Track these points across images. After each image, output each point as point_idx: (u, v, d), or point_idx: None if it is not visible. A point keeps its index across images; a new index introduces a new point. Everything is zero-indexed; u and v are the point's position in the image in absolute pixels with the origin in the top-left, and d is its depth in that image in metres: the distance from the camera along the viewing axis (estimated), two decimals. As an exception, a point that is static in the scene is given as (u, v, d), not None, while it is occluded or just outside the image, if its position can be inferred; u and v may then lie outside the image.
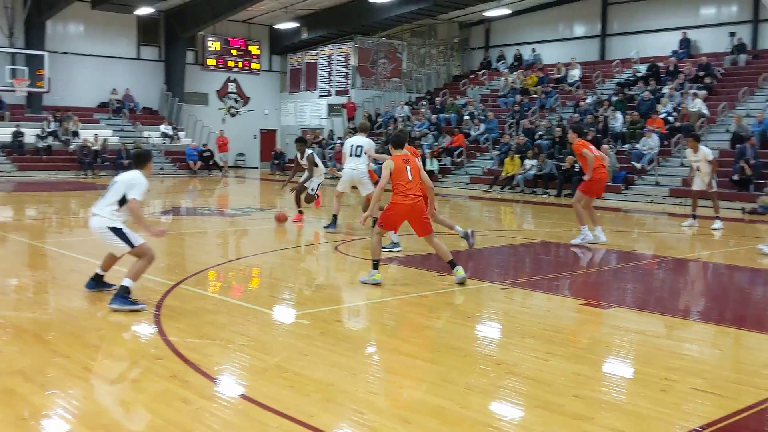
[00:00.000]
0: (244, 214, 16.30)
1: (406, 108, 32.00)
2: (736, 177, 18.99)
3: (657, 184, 20.75)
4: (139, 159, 6.98)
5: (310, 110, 36.00)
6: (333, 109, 34.55)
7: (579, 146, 11.24)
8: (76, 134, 29.51)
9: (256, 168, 35.76)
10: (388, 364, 5.37)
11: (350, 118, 33.04)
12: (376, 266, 7.67)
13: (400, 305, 7.18)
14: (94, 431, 3.95)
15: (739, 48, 26.08)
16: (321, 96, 35.50)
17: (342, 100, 34.01)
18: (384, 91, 34.49)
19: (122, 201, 6.59)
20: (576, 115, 25.26)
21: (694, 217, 14.27)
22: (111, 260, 7.10)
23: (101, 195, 6.72)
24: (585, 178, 11.15)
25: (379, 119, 31.73)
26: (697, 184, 14.12)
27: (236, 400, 4.53)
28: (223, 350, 5.48)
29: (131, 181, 6.64)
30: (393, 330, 6.34)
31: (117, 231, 6.60)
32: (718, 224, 13.79)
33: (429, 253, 9.49)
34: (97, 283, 7.18)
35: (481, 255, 10.71)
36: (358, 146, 11.86)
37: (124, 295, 6.41)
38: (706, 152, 14.04)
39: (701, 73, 24.98)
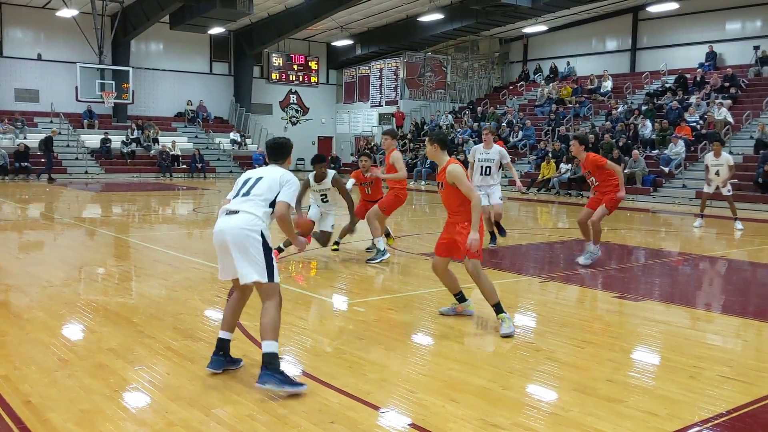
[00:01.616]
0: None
1: (450, 116, 31.88)
2: (760, 180, 18.43)
3: (684, 186, 20.27)
4: (279, 150, 4.71)
5: (363, 119, 36.14)
6: (383, 118, 34.64)
7: (597, 159, 8.87)
8: (156, 141, 30.17)
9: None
10: (436, 349, 5.37)
11: (399, 126, 33.07)
12: (498, 310, 5.71)
13: (446, 295, 7.16)
14: (176, 402, 4.05)
15: (763, 60, 25.27)
16: (372, 106, 35.61)
17: (391, 109, 34.07)
18: (430, 101, 34.42)
19: (273, 203, 4.42)
20: (607, 122, 24.82)
21: (702, 216, 13.98)
22: (238, 307, 4.65)
23: (236, 190, 4.56)
24: (619, 195, 8.76)
25: (426, 127, 31.71)
26: (710, 188, 13.82)
27: (300, 378, 4.59)
28: (287, 333, 5.55)
29: (283, 178, 4.47)
30: (439, 318, 6.33)
31: (267, 246, 4.35)
32: (739, 225, 13.44)
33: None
34: (225, 357, 4.57)
35: (519, 251, 10.63)
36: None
37: (276, 368, 4.18)
38: (728, 158, 13.71)
39: (727, 84, 24.29)
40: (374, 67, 35.50)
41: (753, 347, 5.66)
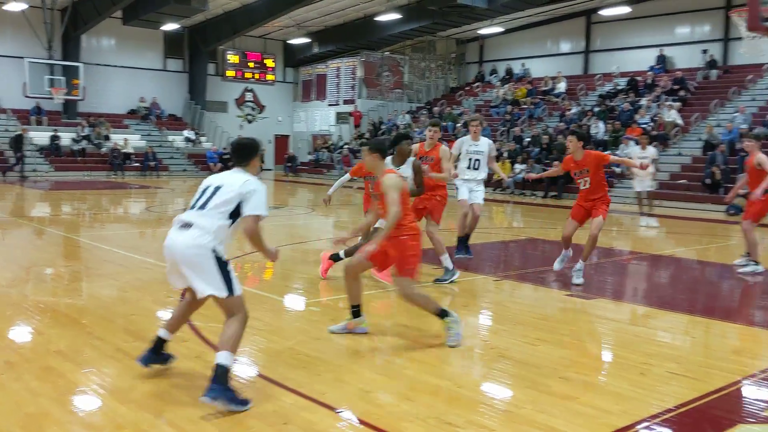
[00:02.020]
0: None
1: (408, 116, 32.01)
2: (708, 181, 18.96)
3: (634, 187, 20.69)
4: (243, 151, 4.32)
5: (320, 118, 36.01)
6: (341, 117, 34.59)
7: (602, 156, 7.96)
8: (107, 138, 29.54)
9: (271, 170, 35.76)
10: (392, 348, 5.38)
11: (356, 126, 33.09)
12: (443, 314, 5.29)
13: (394, 300, 7.17)
14: (126, 405, 3.96)
15: (711, 64, 26.02)
16: (330, 105, 35.51)
17: (349, 108, 34.05)
18: (387, 101, 34.48)
19: (234, 214, 4.12)
20: (561, 123, 25.24)
21: (646, 215, 14.39)
22: (189, 310, 4.52)
23: (192, 201, 4.24)
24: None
25: (383, 126, 31.81)
26: (639, 186, 14.21)
27: (254, 379, 4.54)
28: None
29: (245, 188, 4.12)
30: (396, 317, 6.34)
31: (221, 261, 4.10)
32: (652, 222, 13.97)
33: (426, 248, 9.48)
34: (156, 353, 4.45)
35: (475, 250, 10.71)
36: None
37: (226, 383, 3.92)
38: (653, 152, 14.21)
39: (676, 87, 24.93)
40: (331, 65, 35.39)
41: (701, 344, 5.81)
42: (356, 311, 5.49)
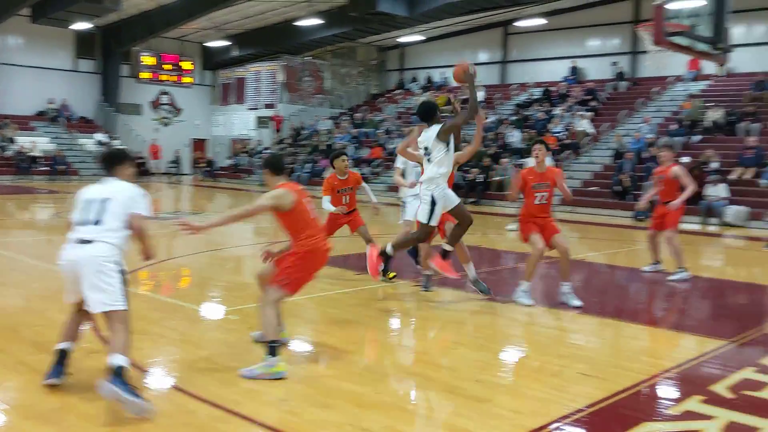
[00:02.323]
0: (174, 217, 15.89)
1: (329, 122, 31.99)
2: (617, 188, 19.77)
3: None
4: (114, 160, 4.50)
5: (239, 122, 35.46)
6: (261, 122, 34.18)
7: (561, 173, 7.91)
8: (12, 140, 28.12)
9: (188, 175, 34.94)
10: (311, 356, 5.34)
11: (278, 130, 32.81)
12: (272, 352, 4.65)
13: (323, 302, 7.15)
14: (30, 420, 3.78)
15: (620, 76, 27.21)
16: (250, 109, 35.03)
17: (270, 113, 33.69)
18: (309, 106, 34.35)
19: (126, 223, 4.28)
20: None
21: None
22: (80, 320, 4.51)
23: (83, 215, 4.30)
24: None
25: (304, 131, 31.67)
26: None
27: (168, 391, 4.42)
28: (154, 344, 5.33)
29: (129, 193, 4.33)
30: (316, 324, 6.31)
31: (122, 275, 4.22)
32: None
33: (348, 254, 9.50)
34: (61, 365, 4.34)
35: (400, 256, 10.78)
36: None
37: (124, 381, 3.92)
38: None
39: (588, 97, 25.94)
40: (251, 69, 34.93)
41: (610, 345, 6.04)
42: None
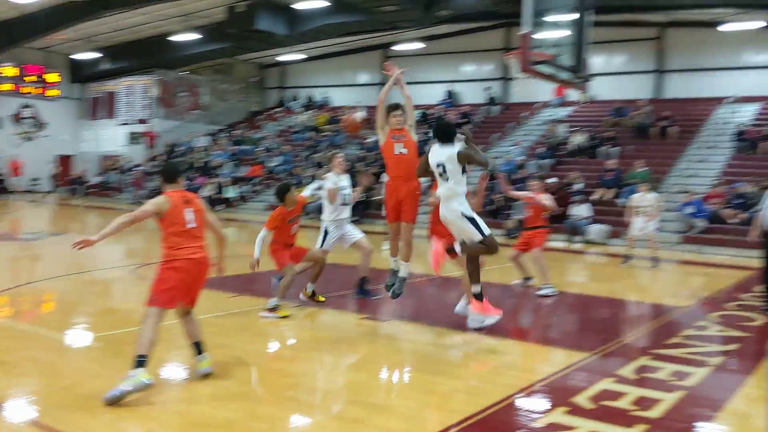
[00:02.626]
0: (37, 238, 14.91)
1: (206, 139, 31.26)
2: (491, 207, 20.56)
3: (423, 213, 21.88)
4: None
5: (110, 137, 33.87)
6: (133, 137, 32.84)
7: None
8: None
9: (52, 192, 32.92)
10: (183, 382, 5.15)
11: (150, 146, 31.68)
12: (140, 363, 4.67)
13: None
14: None
15: (493, 100, 28.47)
16: (121, 124, 33.58)
17: (142, 128, 32.45)
18: (185, 122, 33.41)
19: None
20: (362, 151, 26.11)
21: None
22: None
23: None
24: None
25: (179, 148, 30.79)
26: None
27: (25, 425, 4.11)
28: (8, 375, 4.95)
29: None
30: (186, 349, 6.09)
31: None
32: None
33: (226, 276, 9.25)
34: None
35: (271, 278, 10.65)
36: None
37: None
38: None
39: (463, 120, 26.93)
40: (124, 83, 33.54)
41: (483, 360, 6.24)
42: (197, 349, 5.19)
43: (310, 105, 32.99)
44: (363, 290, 8.81)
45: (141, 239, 15.55)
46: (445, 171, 6.45)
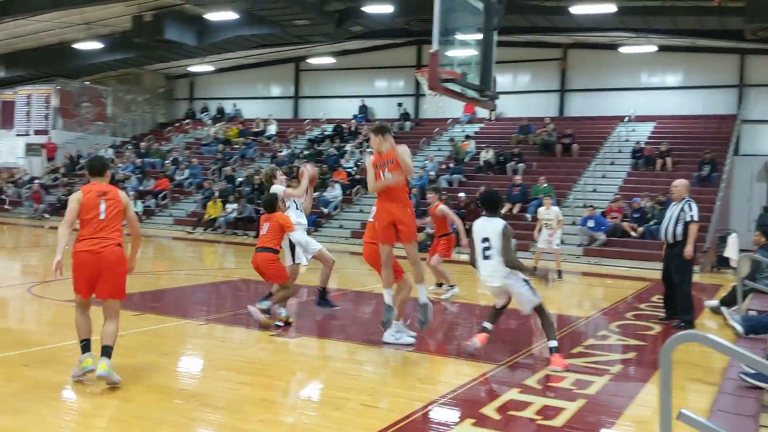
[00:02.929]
0: None
1: (111, 151, 30.14)
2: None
3: (341, 227, 21.93)
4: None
5: (6, 149, 32.12)
6: (31, 149, 31.27)
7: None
8: None
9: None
10: (79, 406, 4.91)
11: (50, 158, 30.26)
12: (83, 348, 5.33)
13: (96, 346, 6.62)
14: None
15: (405, 116, 28.85)
16: (18, 135, 31.90)
17: (41, 139, 30.94)
18: (88, 133, 32.11)
19: None
20: (274, 165, 25.86)
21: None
22: None
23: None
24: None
25: (82, 161, 29.58)
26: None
27: None
28: None
29: None
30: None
31: None
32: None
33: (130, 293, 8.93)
34: None
35: (184, 293, 10.37)
36: None
37: None
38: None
39: (376, 134, 27.14)
40: (21, 92, 31.91)
41: (392, 374, 6.27)
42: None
43: (220, 117, 32.42)
44: (324, 301, 8.76)
45: (37, 257, 14.82)
46: (489, 248, 6.46)
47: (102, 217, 5.21)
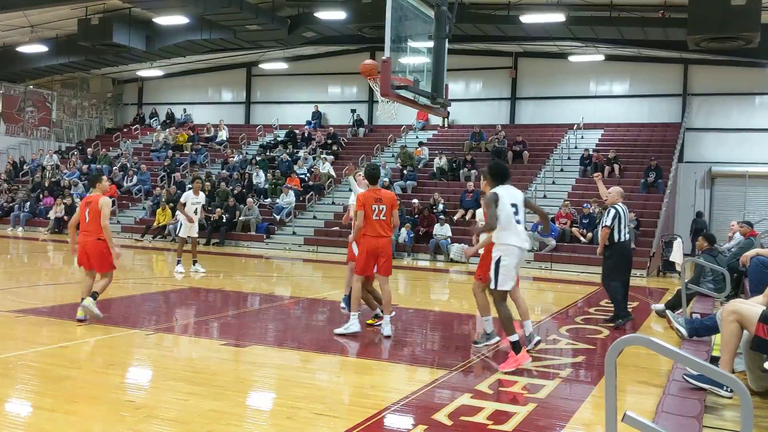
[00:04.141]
0: None
1: (56, 156, 29.36)
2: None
3: (294, 233, 21.79)
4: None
5: (-55, 154, 31.01)
6: (-27, 155, 30.26)
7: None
8: None
9: None
10: (20, 420, 4.74)
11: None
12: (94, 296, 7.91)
13: (38, 357, 6.43)
14: None
15: (359, 122, 28.87)
16: (-42, 140, 30.84)
17: (-17, 145, 29.98)
18: (32, 138, 31.23)
19: None
20: (224, 171, 25.56)
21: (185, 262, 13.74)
22: None
23: None
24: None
25: (26, 167, 28.75)
26: (184, 232, 13.50)
27: None
28: None
29: None
30: (28, 384, 5.63)
31: None
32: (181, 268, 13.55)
33: (75, 303, 8.71)
34: None
35: (132, 302, 10.14)
36: None
37: None
38: (202, 198, 13.87)
39: (330, 141, 27.09)
40: (-39, 95, 30.90)
41: (345, 382, 6.24)
42: None
43: (170, 122, 31.90)
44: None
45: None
46: (517, 213, 6.70)
47: (86, 220, 8.06)
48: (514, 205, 6.65)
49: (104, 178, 9.02)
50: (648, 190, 20.68)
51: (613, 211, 8.92)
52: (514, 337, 6.51)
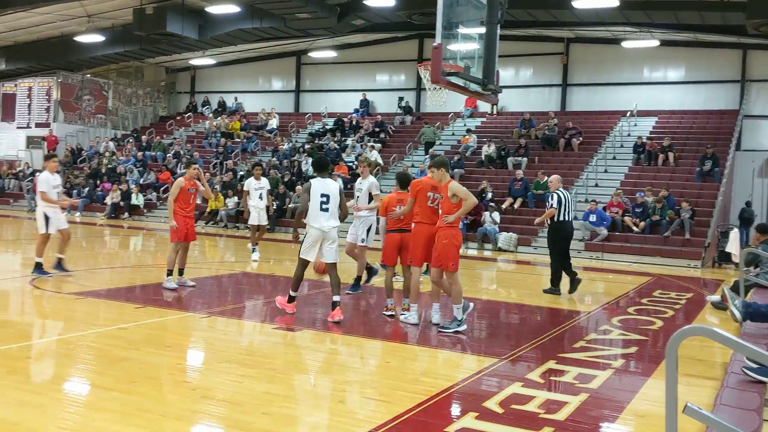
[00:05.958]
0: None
1: (112, 144, 30.12)
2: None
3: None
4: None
5: (8, 142, 32.09)
6: (32, 142, 31.24)
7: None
8: None
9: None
10: (81, 399, 4.91)
11: (51, 151, 30.19)
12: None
13: (98, 338, 6.63)
14: None
15: (406, 110, 28.79)
16: (19, 128, 31.88)
17: (43, 132, 30.89)
18: (89, 126, 32.09)
19: None
20: (274, 159, 25.82)
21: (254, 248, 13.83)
22: None
23: None
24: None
25: (84, 153, 29.57)
26: (254, 219, 13.71)
27: None
28: None
29: None
30: (88, 364, 5.81)
31: None
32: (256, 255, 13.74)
33: (133, 285, 8.95)
34: None
35: (185, 286, 10.35)
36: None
37: None
38: (265, 183, 14.00)
39: (377, 129, 27.09)
40: (22, 85, 31.88)
41: (394, 368, 6.25)
42: None
43: (222, 111, 32.36)
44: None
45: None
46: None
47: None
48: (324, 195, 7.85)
49: (193, 165, 9.92)
50: (703, 179, 20.09)
51: (556, 196, 10.48)
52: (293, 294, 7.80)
